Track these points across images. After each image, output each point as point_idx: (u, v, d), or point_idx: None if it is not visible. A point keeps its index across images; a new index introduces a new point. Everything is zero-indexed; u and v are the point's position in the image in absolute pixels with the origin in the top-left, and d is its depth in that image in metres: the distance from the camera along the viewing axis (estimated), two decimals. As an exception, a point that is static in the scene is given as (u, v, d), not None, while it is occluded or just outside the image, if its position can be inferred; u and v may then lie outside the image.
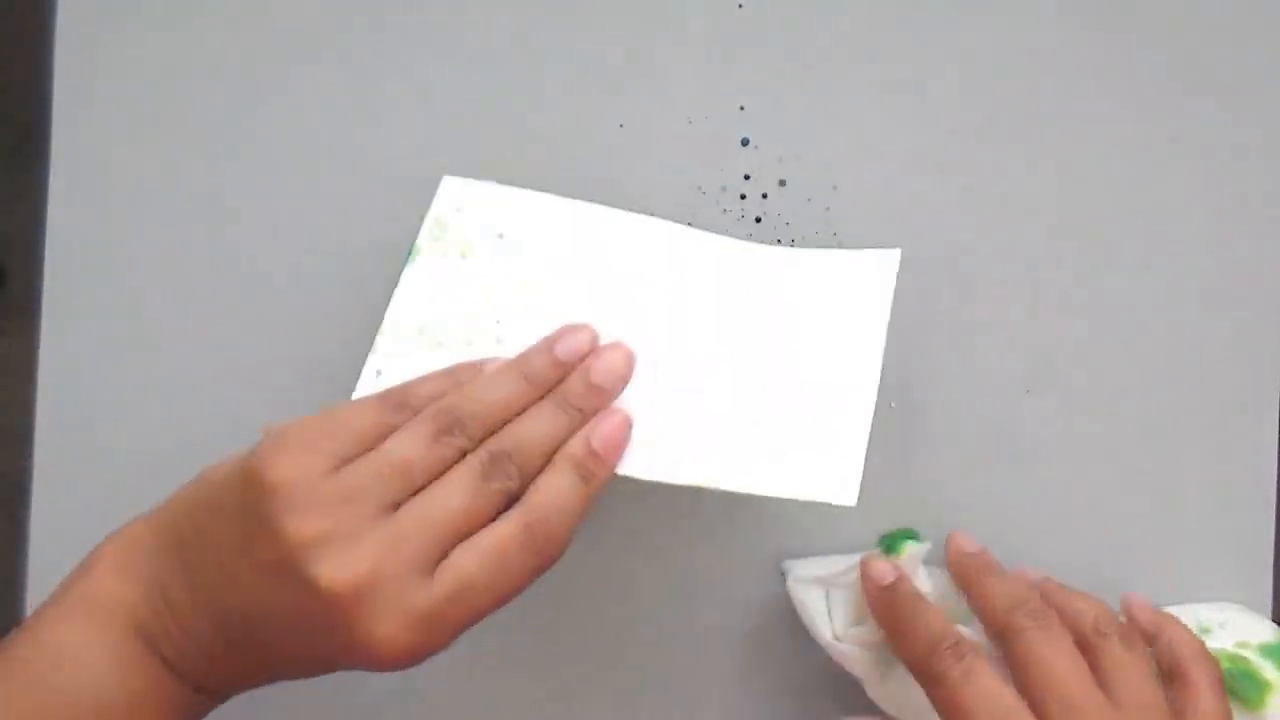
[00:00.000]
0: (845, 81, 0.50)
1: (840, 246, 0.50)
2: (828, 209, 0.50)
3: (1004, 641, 0.41)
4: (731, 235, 0.50)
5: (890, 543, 0.45)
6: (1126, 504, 0.49)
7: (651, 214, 0.50)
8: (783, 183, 0.50)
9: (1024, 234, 0.50)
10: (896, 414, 0.49)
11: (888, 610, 0.42)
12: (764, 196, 0.50)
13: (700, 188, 0.50)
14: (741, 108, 0.50)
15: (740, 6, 0.50)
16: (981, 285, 0.50)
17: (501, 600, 0.36)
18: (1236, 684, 0.43)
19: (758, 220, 0.50)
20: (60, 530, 0.48)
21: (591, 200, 0.47)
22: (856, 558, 0.44)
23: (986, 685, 0.39)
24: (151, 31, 0.50)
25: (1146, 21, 0.51)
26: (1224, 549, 0.49)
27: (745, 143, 0.50)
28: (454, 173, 0.47)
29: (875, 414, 0.49)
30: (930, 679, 0.40)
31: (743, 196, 0.50)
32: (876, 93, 0.50)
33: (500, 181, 0.47)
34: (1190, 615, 0.46)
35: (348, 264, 0.49)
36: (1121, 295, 0.50)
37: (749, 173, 0.50)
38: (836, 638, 0.44)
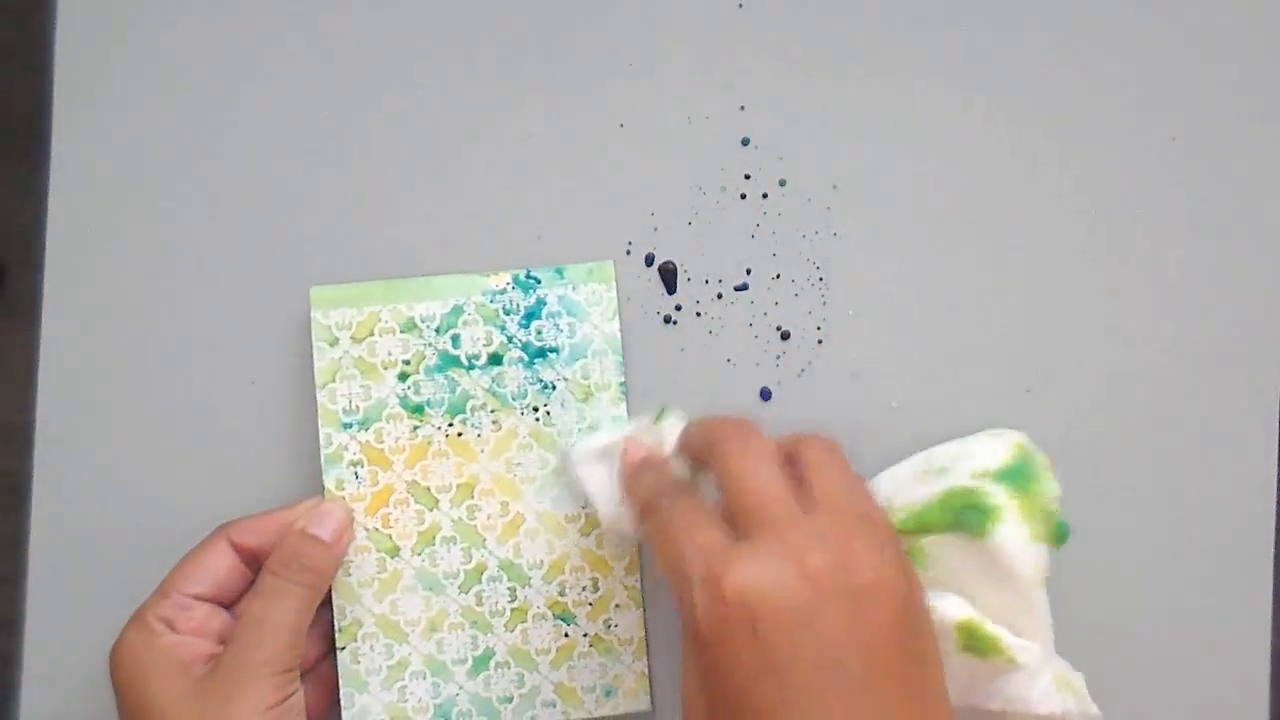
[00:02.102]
0: (845, 81, 0.51)
1: (840, 246, 0.50)
2: (828, 209, 0.50)
3: (712, 464, 0.40)
4: (731, 234, 0.50)
5: (658, 415, 0.46)
6: (1126, 504, 0.49)
7: (652, 214, 0.50)
8: (783, 183, 0.50)
9: (1024, 234, 0.50)
10: (896, 414, 0.49)
11: (630, 474, 0.44)
12: (764, 196, 0.50)
13: (700, 187, 0.50)
14: (742, 107, 0.50)
15: (740, 6, 0.51)
16: (982, 285, 0.50)
17: None
18: (962, 518, 0.43)
19: (758, 224, 0.50)
20: (60, 529, 0.48)
21: (591, 200, 0.47)
22: (629, 429, 0.46)
23: (686, 505, 0.40)
24: (151, 32, 0.50)
25: (1148, 21, 0.51)
26: (1224, 549, 0.49)
27: (745, 142, 0.50)
28: (455, 173, 0.47)
29: (877, 414, 0.49)
30: (646, 515, 0.41)
31: (743, 196, 0.50)
32: (876, 93, 0.50)
33: (501, 180, 0.47)
34: (932, 456, 0.46)
35: (350, 259, 0.49)
36: (1122, 295, 0.50)
37: (749, 172, 0.50)
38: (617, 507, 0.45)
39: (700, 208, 0.50)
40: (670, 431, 0.45)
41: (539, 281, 0.48)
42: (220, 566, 0.45)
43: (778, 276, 0.50)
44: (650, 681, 0.47)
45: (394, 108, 0.50)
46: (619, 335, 0.48)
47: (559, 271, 0.48)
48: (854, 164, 0.50)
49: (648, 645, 0.47)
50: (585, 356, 0.48)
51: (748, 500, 0.38)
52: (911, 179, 0.50)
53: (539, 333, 0.48)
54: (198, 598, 0.44)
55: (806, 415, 0.49)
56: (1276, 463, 0.50)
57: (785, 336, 0.49)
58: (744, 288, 0.50)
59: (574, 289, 0.48)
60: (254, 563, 0.45)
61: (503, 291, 0.48)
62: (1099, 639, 0.49)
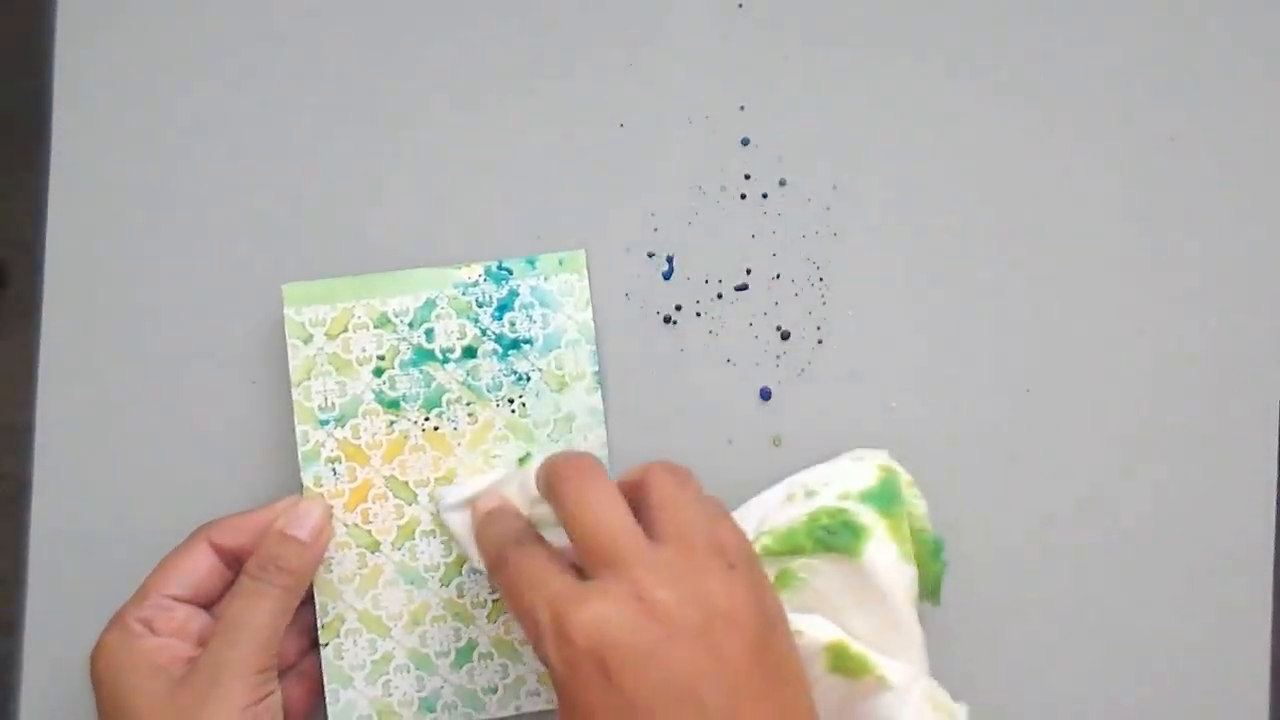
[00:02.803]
0: (845, 81, 0.51)
1: (840, 246, 0.50)
2: (828, 209, 0.50)
3: (554, 503, 0.40)
4: (731, 234, 0.50)
5: (522, 458, 0.47)
6: (1126, 504, 0.49)
7: (652, 214, 0.50)
8: (783, 182, 0.50)
9: (1024, 234, 0.50)
10: (896, 414, 0.49)
11: (479, 526, 0.44)
12: (764, 196, 0.50)
13: (700, 187, 0.50)
14: (742, 107, 0.50)
15: (740, 6, 0.51)
16: (981, 285, 0.50)
17: None
18: (834, 538, 0.43)
19: (758, 224, 0.50)
20: (60, 530, 0.48)
21: (592, 199, 0.47)
22: (495, 476, 0.46)
23: (532, 553, 0.40)
24: (151, 33, 0.50)
25: (1148, 21, 0.51)
26: (1224, 549, 0.49)
27: (745, 142, 0.50)
28: (454, 173, 0.47)
29: (877, 414, 0.49)
30: (495, 568, 0.42)
31: (743, 196, 0.50)
32: (876, 92, 0.51)
33: (502, 179, 0.47)
34: (799, 480, 0.46)
35: (351, 259, 0.49)
36: (1122, 295, 0.50)
37: (749, 172, 0.50)
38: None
39: (700, 207, 0.50)
40: (531, 476, 0.45)
41: (511, 273, 0.48)
42: (200, 568, 0.45)
43: (778, 276, 0.50)
44: None
45: (394, 108, 0.50)
46: (592, 325, 0.48)
47: (530, 262, 0.48)
48: (854, 164, 0.50)
49: None
50: (559, 347, 0.48)
51: (589, 538, 0.38)
52: (912, 179, 0.50)
53: (512, 324, 0.48)
54: (177, 599, 0.44)
55: (806, 415, 0.49)
56: (1276, 463, 0.50)
57: (785, 336, 0.49)
58: (744, 288, 0.50)
59: (546, 279, 0.48)
60: (234, 563, 0.45)
61: (475, 284, 0.48)
62: (1099, 639, 0.49)
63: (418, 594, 0.47)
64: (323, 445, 0.47)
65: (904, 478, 0.46)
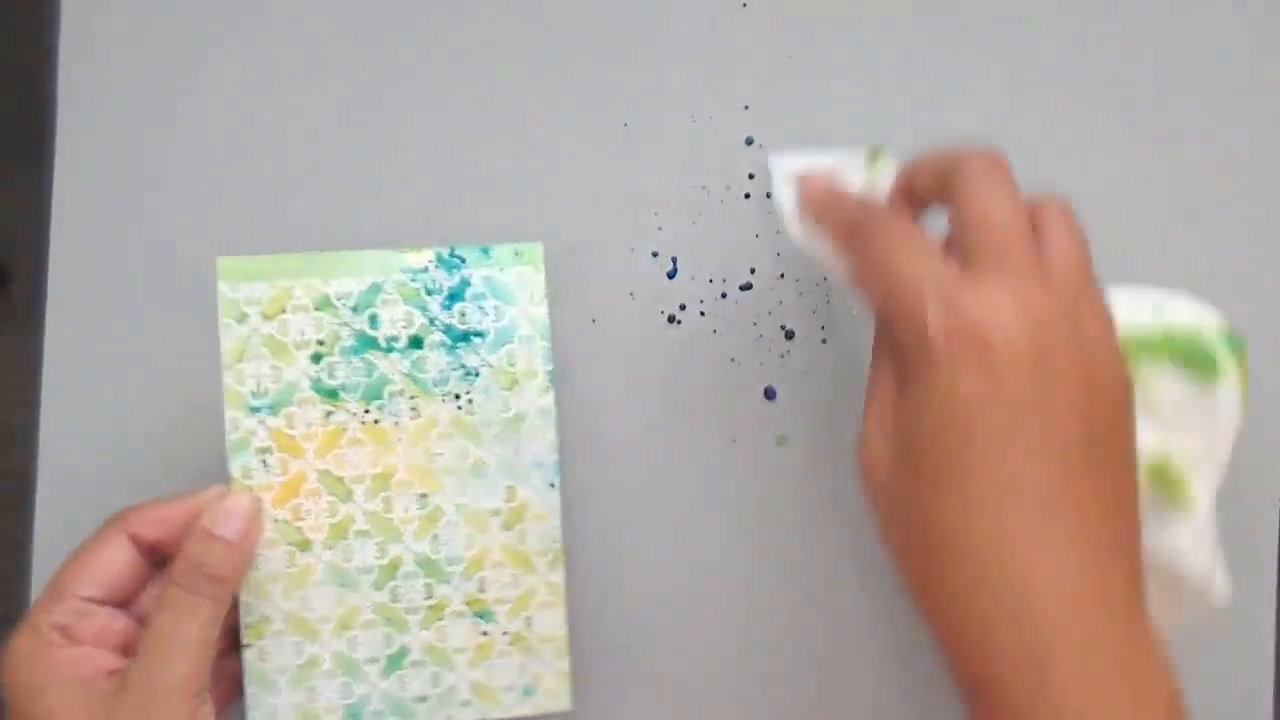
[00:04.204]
0: (849, 81, 0.51)
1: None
2: (832, 208, 0.50)
3: (949, 194, 0.38)
4: (736, 234, 0.50)
5: (871, 157, 0.44)
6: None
7: (656, 213, 0.50)
8: (787, 182, 0.50)
9: (1028, 233, 0.50)
10: (901, 413, 0.49)
11: (821, 206, 0.42)
12: (767, 196, 0.50)
13: (704, 187, 0.50)
14: (746, 107, 0.50)
15: (744, 5, 0.51)
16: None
17: None
18: (1194, 358, 0.41)
19: (762, 224, 0.50)
20: (64, 528, 0.48)
21: (595, 200, 0.47)
22: (832, 157, 0.43)
23: (905, 227, 0.38)
24: (153, 33, 0.50)
25: (1151, 20, 0.51)
26: (1225, 549, 0.49)
27: (749, 142, 0.50)
28: (455, 173, 0.47)
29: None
30: (852, 239, 0.39)
31: (747, 196, 0.50)
32: (880, 92, 0.51)
33: (504, 179, 0.47)
34: (1142, 293, 0.44)
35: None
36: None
37: (753, 172, 0.50)
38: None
39: (704, 207, 0.50)
40: (884, 179, 0.42)
41: (464, 261, 0.45)
42: (117, 564, 0.42)
43: (782, 276, 0.50)
44: (571, 681, 0.46)
45: (392, 109, 0.50)
46: (547, 320, 0.45)
47: (485, 251, 0.45)
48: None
49: (570, 644, 0.46)
50: (511, 342, 0.45)
51: (990, 235, 0.36)
52: (915, 178, 0.50)
53: (463, 315, 0.45)
54: (94, 601, 0.41)
55: (811, 414, 0.49)
56: (1276, 463, 0.50)
57: (790, 335, 0.49)
58: (748, 287, 0.50)
59: (501, 270, 0.45)
60: (154, 556, 0.43)
61: (424, 270, 0.45)
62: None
63: (349, 597, 0.45)
64: (253, 434, 0.44)
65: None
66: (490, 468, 0.45)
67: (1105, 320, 0.37)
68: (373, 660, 0.45)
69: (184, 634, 0.40)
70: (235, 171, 0.50)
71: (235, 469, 0.44)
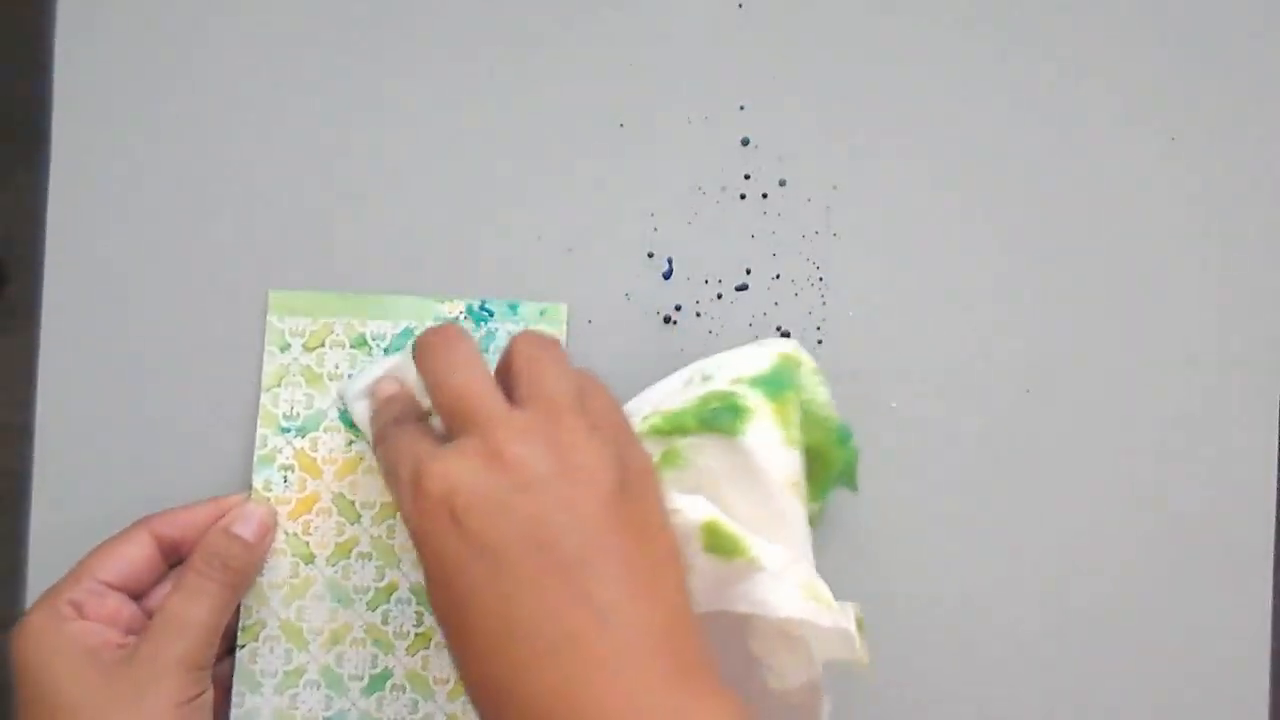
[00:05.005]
0: (845, 81, 0.51)
1: (840, 246, 0.50)
2: (828, 209, 0.50)
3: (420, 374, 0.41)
4: (731, 234, 0.50)
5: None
6: (1126, 503, 0.49)
7: (652, 214, 0.50)
8: (783, 182, 0.50)
9: (1024, 234, 0.50)
10: (896, 414, 0.49)
11: (375, 409, 0.45)
12: (764, 196, 0.50)
13: (700, 187, 0.50)
14: (741, 107, 0.50)
15: (740, 6, 0.51)
16: (981, 285, 0.50)
17: None
18: (717, 418, 0.43)
19: (758, 225, 0.50)
20: (60, 528, 0.48)
21: (591, 200, 0.47)
22: (393, 361, 0.46)
23: (411, 428, 0.41)
24: (151, 33, 0.50)
25: (1148, 21, 0.51)
26: (1224, 549, 0.49)
27: (745, 142, 0.50)
28: (453, 172, 0.47)
29: (877, 414, 0.49)
30: (378, 443, 0.43)
31: (743, 196, 0.50)
32: (876, 92, 0.51)
33: (499, 180, 0.47)
34: (698, 366, 0.46)
35: (348, 263, 0.49)
36: (1122, 294, 0.50)
37: (749, 172, 0.50)
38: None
39: (700, 208, 0.50)
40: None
41: (492, 314, 0.48)
42: (138, 557, 0.44)
43: (778, 276, 0.50)
44: None
45: (392, 108, 0.50)
46: None
47: (512, 307, 0.48)
48: (854, 164, 0.50)
49: None
50: None
51: (450, 402, 0.39)
52: (911, 179, 0.50)
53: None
54: (110, 586, 0.44)
55: (806, 415, 0.49)
56: (1276, 463, 0.50)
57: (785, 336, 0.50)
58: (744, 288, 0.50)
59: (525, 327, 0.48)
60: (173, 555, 0.45)
61: (455, 319, 0.48)
62: (1099, 638, 0.49)
63: (342, 613, 0.47)
64: (279, 451, 0.47)
65: (807, 365, 0.45)
66: None
67: (593, 428, 0.38)
68: (356, 677, 0.46)
69: (193, 615, 0.43)
70: (231, 172, 0.50)
71: (258, 481, 0.47)
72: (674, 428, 0.43)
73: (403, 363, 0.46)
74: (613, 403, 0.40)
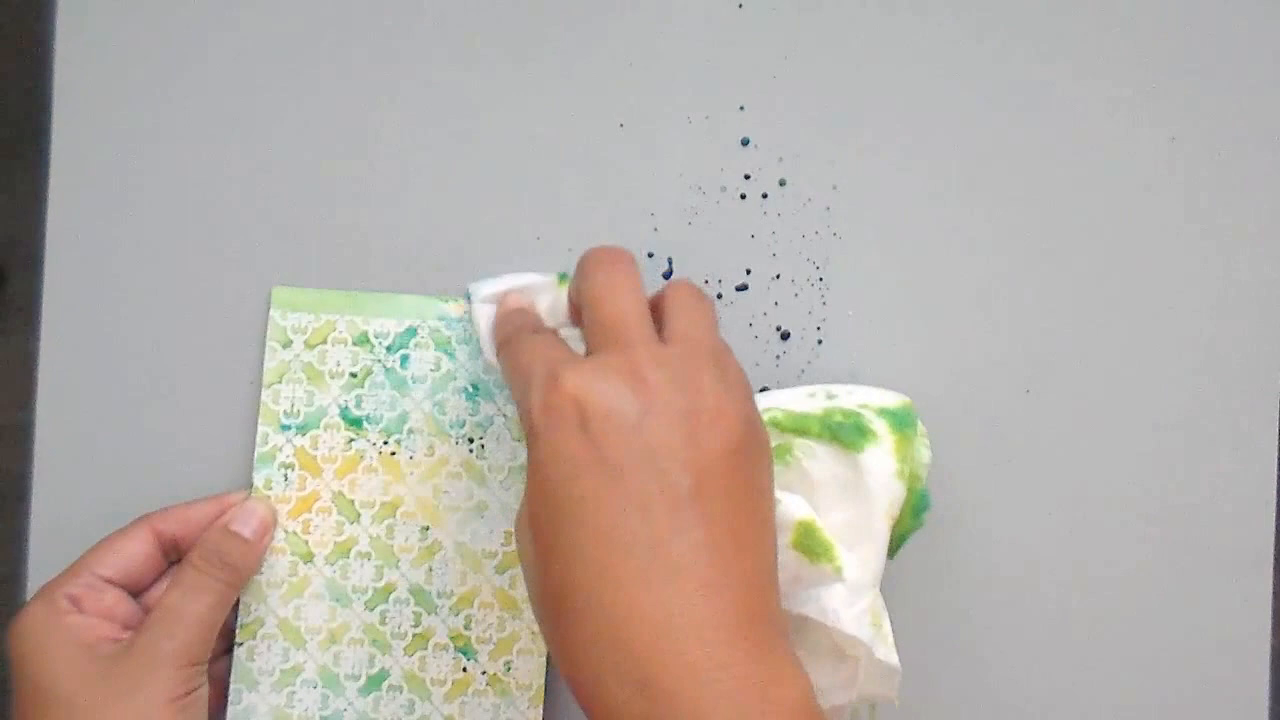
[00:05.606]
0: (845, 81, 0.51)
1: (840, 246, 0.50)
2: (828, 209, 0.50)
3: (578, 290, 0.41)
4: (731, 235, 0.50)
5: (561, 277, 0.47)
6: (1126, 503, 0.49)
7: (652, 214, 0.50)
8: (783, 183, 0.50)
9: (1024, 234, 0.50)
10: (896, 413, 0.49)
11: (500, 316, 0.45)
12: (764, 196, 0.50)
13: (700, 187, 0.50)
14: (741, 107, 0.50)
15: (740, 6, 0.51)
16: (981, 285, 0.50)
17: None
18: (842, 431, 0.44)
19: (757, 225, 0.50)
20: (60, 528, 0.48)
21: (591, 200, 0.47)
22: (530, 279, 0.46)
23: (542, 337, 0.41)
24: (151, 33, 0.50)
25: (1148, 21, 0.51)
26: (1224, 549, 0.49)
27: (745, 142, 0.50)
28: (452, 172, 0.47)
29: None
30: (504, 347, 0.42)
31: (743, 196, 0.50)
32: (876, 93, 0.51)
33: (499, 180, 0.47)
34: (823, 387, 0.46)
35: (349, 262, 0.49)
36: (1122, 295, 0.50)
37: (749, 172, 0.50)
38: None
39: (700, 208, 0.50)
40: (565, 298, 0.45)
41: None
42: (138, 553, 0.45)
43: (777, 277, 0.50)
44: None
45: (391, 108, 0.50)
46: None
47: None
48: (854, 164, 0.50)
49: (546, 693, 0.47)
50: None
51: (604, 317, 0.39)
52: (911, 178, 0.50)
53: (486, 367, 0.48)
54: (109, 581, 0.44)
55: (806, 415, 0.49)
56: (1276, 463, 0.50)
57: (785, 336, 0.50)
58: (744, 288, 0.50)
59: None
60: (173, 551, 0.46)
61: (459, 320, 0.48)
62: (1099, 638, 0.49)
63: (340, 612, 0.47)
64: (280, 450, 0.47)
65: (920, 426, 0.46)
66: (492, 511, 0.47)
67: (725, 379, 0.38)
68: (353, 677, 0.46)
69: (191, 610, 0.43)
70: (232, 170, 0.50)
71: (259, 479, 0.47)
72: (796, 427, 0.44)
73: (533, 284, 0.46)
74: (745, 374, 0.40)
